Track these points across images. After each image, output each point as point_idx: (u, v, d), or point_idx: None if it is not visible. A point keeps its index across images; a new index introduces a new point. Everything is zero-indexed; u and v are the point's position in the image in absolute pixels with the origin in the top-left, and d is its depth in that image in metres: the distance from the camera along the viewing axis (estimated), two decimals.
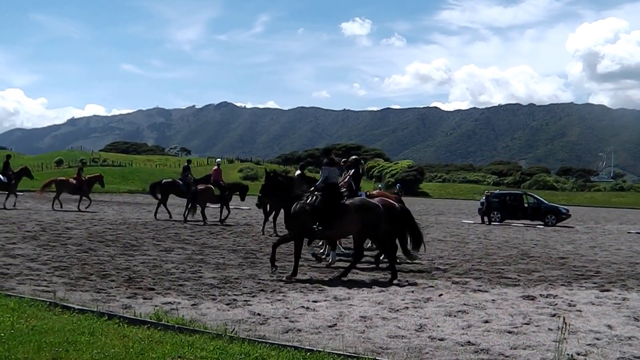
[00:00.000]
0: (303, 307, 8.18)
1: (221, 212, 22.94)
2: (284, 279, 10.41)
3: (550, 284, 10.97)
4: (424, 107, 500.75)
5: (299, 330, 6.88)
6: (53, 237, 15.05)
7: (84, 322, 6.49)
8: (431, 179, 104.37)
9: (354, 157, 13.38)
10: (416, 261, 13.59)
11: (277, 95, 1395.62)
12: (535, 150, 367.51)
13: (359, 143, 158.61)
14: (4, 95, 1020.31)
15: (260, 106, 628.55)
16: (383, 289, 9.88)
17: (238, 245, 15.41)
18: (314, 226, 10.73)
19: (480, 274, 11.97)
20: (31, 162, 66.61)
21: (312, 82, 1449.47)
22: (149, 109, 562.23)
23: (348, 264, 11.44)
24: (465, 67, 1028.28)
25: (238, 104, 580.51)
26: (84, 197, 27.05)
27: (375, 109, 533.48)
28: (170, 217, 22.97)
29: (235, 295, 8.85)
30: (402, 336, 6.80)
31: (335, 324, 7.25)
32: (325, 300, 8.72)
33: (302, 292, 9.34)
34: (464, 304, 8.75)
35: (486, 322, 7.67)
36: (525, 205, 31.39)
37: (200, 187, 22.27)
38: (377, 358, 5.75)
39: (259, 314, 7.63)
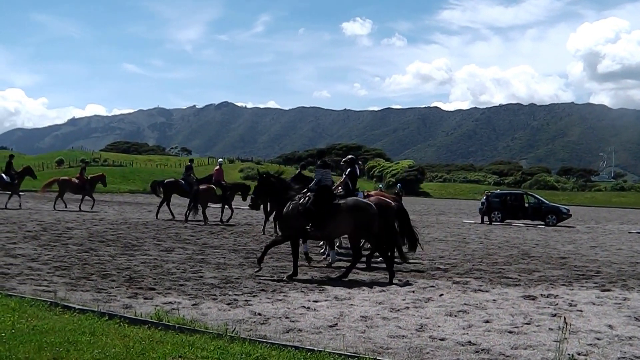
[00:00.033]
0: (304, 307, 8.18)
1: (222, 212, 22.94)
2: (284, 278, 10.42)
3: (551, 284, 10.96)
4: (424, 107, 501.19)
5: (300, 330, 6.88)
6: (54, 237, 15.06)
7: (84, 322, 6.49)
8: (432, 179, 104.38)
9: (349, 156, 13.39)
10: (417, 261, 13.61)
11: (277, 95, 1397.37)
12: (536, 150, 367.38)
13: (360, 143, 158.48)
14: (5, 95, 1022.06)
15: (261, 106, 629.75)
16: (384, 288, 9.88)
17: (239, 245, 15.41)
18: (307, 227, 10.74)
19: (481, 274, 11.96)
20: (32, 162, 66.56)
21: (312, 82, 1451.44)
22: (149, 109, 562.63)
23: (348, 263, 11.44)
24: (466, 67, 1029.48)
25: (239, 104, 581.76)
26: (87, 197, 27.06)
27: (375, 108, 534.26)
28: (173, 217, 22.97)
29: (236, 295, 8.85)
30: (403, 336, 6.80)
31: (336, 324, 7.25)
32: (326, 300, 8.72)
33: (302, 292, 9.34)
34: (465, 304, 8.75)
35: (487, 322, 7.67)
36: (526, 205, 31.40)
37: (202, 186, 22.27)
38: (377, 358, 5.75)
39: (259, 314, 7.63)
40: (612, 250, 18.11)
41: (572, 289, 10.49)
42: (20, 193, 26.64)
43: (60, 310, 7.05)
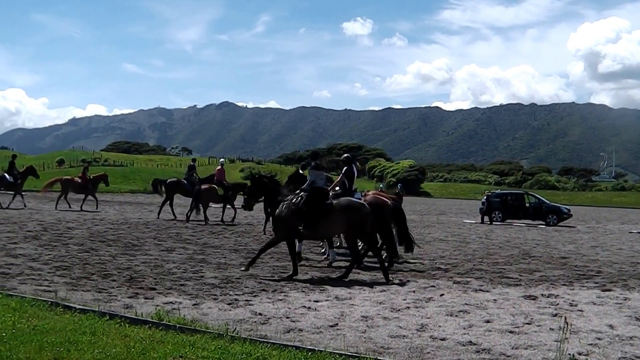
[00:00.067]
0: (304, 306, 8.18)
1: (223, 211, 22.95)
2: (284, 278, 10.42)
3: (551, 284, 10.96)
4: (425, 107, 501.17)
5: (301, 330, 6.88)
6: (54, 237, 15.06)
7: (85, 322, 6.49)
8: (432, 179, 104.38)
9: (345, 155, 13.39)
10: (417, 261, 13.61)
11: (278, 95, 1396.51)
12: (537, 150, 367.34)
13: (361, 143, 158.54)
14: (6, 95, 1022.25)
15: (262, 106, 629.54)
16: (384, 288, 9.87)
17: (239, 245, 15.42)
18: (299, 227, 10.74)
19: (481, 274, 11.96)
20: (33, 162, 66.48)
21: (313, 81, 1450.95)
22: (150, 109, 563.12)
23: (347, 263, 11.43)
24: (467, 67, 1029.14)
25: (239, 104, 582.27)
26: (89, 197, 27.07)
27: (376, 108, 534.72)
28: (175, 217, 22.96)
29: (236, 295, 8.85)
30: (404, 336, 6.80)
31: (337, 324, 7.25)
32: (326, 300, 8.72)
33: (303, 292, 9.34)
34: (466, 304, 8.74)
35: (488, 322, 7.67)
36: (527, 205, 31.41)
37: (203, 186, 22.30)
38: (378, 358, 5.75)
39: (260, 314, 7.63)
40: (613, 250, 18.10)
41: (573, 289, 10.49)
42: (23, 193, 26.65)
43: (61, 310, 7.05)
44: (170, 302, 8.10)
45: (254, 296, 8.81)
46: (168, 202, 23.87)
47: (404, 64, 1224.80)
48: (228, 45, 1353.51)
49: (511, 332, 7.15)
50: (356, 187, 13.17)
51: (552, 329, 7.26)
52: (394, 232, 12.82)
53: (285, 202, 10.98)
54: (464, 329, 7.25)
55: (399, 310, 8.21)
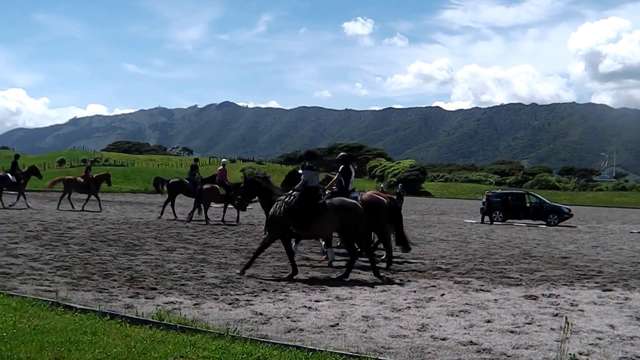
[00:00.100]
0: (305, 306, 8.18)
1: (224, 211, 22.94)
2: (284, 278, 10.42)
3: (552, 284, 10.95)
4: (426, 107, 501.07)
5: (301, 330, 6.88)
6: (55, 237, 15.06)
7: (86, 322, 6.49)
8: (433, 179, 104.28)
9: (341, 153, 13.36)
10: (418, 261, 13.61)
11: (279, 95, 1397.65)
12: (538, 149, 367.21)
13: (361, 143, 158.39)
14: (6, 95, 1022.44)
15: (262, 106, 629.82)
16: (385, 288, 9.87)
17: (240, 245, 15.41)
18: (290, 227, 10.72)
19: (482, 274, 11.96)
20: (33, 162, 66.44)
21: (314, 81, 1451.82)
22: (151, 109, 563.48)
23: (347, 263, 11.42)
24: (468, 67, 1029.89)
25: (240, 104, 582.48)
26: (92, 197, 27.05)
27: (377, 108, 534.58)
28: (176, 217, 22.96)
29: (237, 294, 8.85)
30: (404, 336, 6.80)
31: (338, 324, 7.24)
32: (327, 300, 8.72)
33: (304, 291, 9.34)
34: (466, 304, 8.74)
35: (488, 321, 7.66)
36: (528, 204, 31.40)
37: (205, 186, 22.33)
38: (379, 358, 5.75)
39: (261, 314, 7.62)
40: (614, 250, 18.09)
41: (574, 289, 10.49)
42: (25, 193, 26.66)
43: (62, 310, 7.05)
44: (171, 302, 8.10)
45: (255, 296, 8.81)
46: (170, 202, 23.87)
47: (404, 64, 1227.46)
48: (229, 45, 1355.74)
49: (512, 332, 7.14)
50: (354, 187, 13.08)
51: (553, 329, 7.25)
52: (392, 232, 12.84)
53: (279, 202, 10.97)
54: (465, 328, 7.24)
55: (400, 310, 8.20)
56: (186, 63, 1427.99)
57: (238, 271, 10.74)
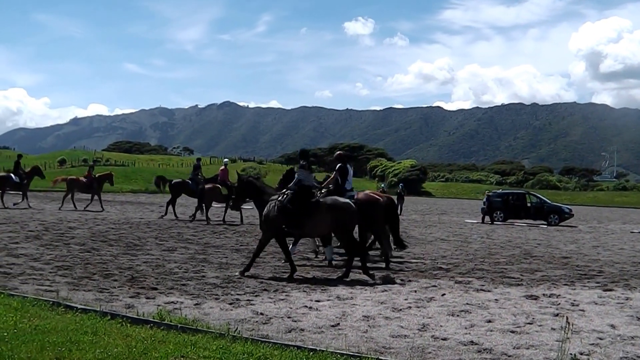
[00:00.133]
0: (306, 306, 8.18)
1: (225, 211, 22.95)
2: (285, 278, 10.42)
3: (553, 284, 10.95)
4: (426, 107, 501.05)
5: (302, 330, 6.88)
6: (56, 237, 15.07)
7: (86, 322, 6.49)
8: (434, 179, 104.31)
9: (338, 152, 13.36)
10: (419, 261, 13.61)
11: (279, 95, 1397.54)
12: (538, 149, 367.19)
13: (362, 142, 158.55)
14: (7, 94, 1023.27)
15: (263, 106, 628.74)
16: (386, 288, 9.86)
17: (241, 245, 15.41)
18: (282, 226, 10.71)
19: (483, 274, 11.95)
20: (34, 161, 66.52)
21: (314, 81, 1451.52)
22: (151, 109, 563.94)
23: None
24: (468, 67, 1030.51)
25: (241, 104, 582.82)
26: (95, 197, 27.06)
27: (378, 108, 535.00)
28: (176, 217, 22.96)
29: (238, 294, 8.85)
30: (405, 336, 6.80)
31: (338, 324, 7.24)
32: (328, 300, 8.72)
33: (305, 291, 9.34)
34: (467, 304, 8.74)
35: (489, 321, 7.66)
36: (528, 204, 31.38)
37: (207, 186, 22.35)
38: (380, 358, 5.75)
39: (261, 314, 7.62)
40: (615, 250, 18.08)
41: (575, 289, 10.48)
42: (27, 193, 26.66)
43: (63, 310, 7.05)
44: (172, 302, 8.10)
45: (256, 296, 8.81)
46: (172, 202, 23.86)
47: (405, 64, 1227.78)
48: (229, 45, 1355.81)
49: (513, 331, 7.14)
50: (352, 186, 13.05)
51: (554, 329, 7.25)
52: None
53: (272, 201, 10.97)
54: (466, 328, 7.24)
55: (401, 310, 8.20)
56: (187, 63, 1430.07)
57: (238, 273, 10.71)
